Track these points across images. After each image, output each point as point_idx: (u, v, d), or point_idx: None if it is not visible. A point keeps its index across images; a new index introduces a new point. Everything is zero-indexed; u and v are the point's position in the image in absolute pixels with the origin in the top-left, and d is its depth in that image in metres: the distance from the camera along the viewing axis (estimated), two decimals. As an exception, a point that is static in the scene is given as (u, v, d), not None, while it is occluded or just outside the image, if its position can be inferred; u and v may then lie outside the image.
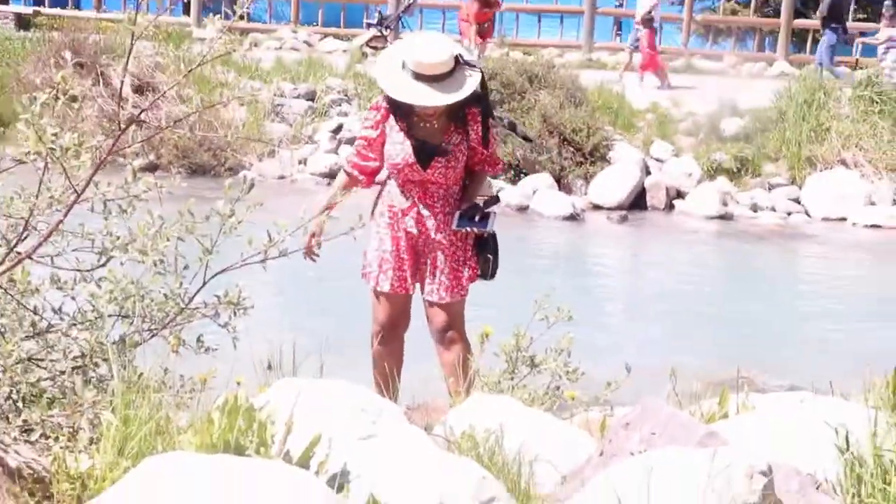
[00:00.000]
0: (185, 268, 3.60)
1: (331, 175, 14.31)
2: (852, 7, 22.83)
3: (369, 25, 21.12)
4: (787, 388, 6.44)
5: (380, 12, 21.46)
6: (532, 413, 3.64)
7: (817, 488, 2.79)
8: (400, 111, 5.15)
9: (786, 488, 2.75)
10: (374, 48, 20.17)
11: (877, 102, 14.96)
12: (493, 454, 3.23)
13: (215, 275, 3.62)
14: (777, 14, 23.28)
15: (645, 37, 19.21)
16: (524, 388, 4.81)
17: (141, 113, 4.09)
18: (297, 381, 3.35)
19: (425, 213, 5.23)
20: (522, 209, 13.26)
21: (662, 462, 2.57)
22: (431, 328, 5.34)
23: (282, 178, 14.39)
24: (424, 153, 5.16)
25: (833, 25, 18.36)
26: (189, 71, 3.64)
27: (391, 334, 5.35)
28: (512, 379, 4.95)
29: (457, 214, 5.32)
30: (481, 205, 5.38)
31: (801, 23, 22.91)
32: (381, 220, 5.25)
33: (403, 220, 5.24)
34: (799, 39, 23.36)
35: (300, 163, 14.76)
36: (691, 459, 2.56)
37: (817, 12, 19.06)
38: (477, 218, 5.28)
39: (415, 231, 5.23)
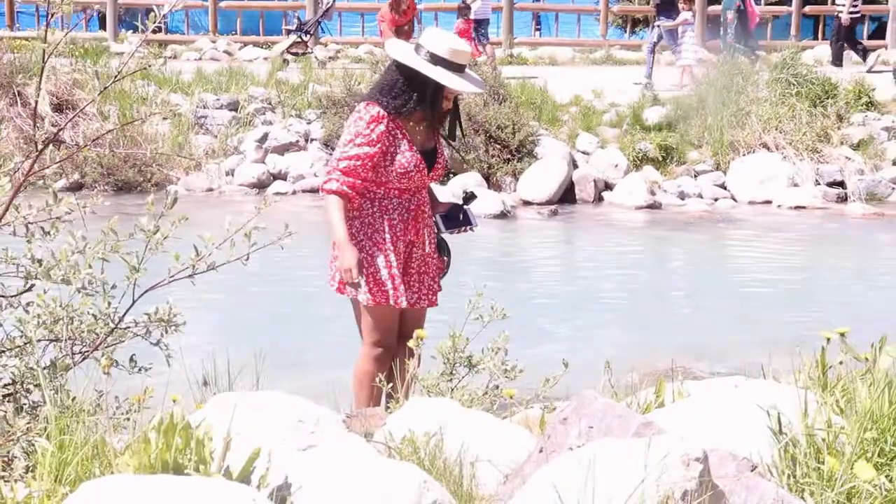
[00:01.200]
0: (114, 287, 3.57)
1: (259, 185, 14.24)
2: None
3: (289, 32, 21.02)
4: (723, 375, 6.54)
5: (298, 18, 21.39)
6: (471, 414, 3.65)
7: (753, 470, 2.83)
8: (402, 117, 5.02)
9: (723, 472, 2.78)
10: (295, 54, 20.10)
11: (794, 84, 15.19)
12: (433, 457, 3.24)
13: (144, 293, 3.58)
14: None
15: (457, 27, 19.36)
16: (463, 389, 4.83)
17: (58, 132, 4.04)
18: (233, 395, 3.34)
19: (420, 221, 5.19)
20: (452, 209, 13.27)
21: (599, 455, 2.60)
22: (404, 333, 5.18)
23: (210, 190, 14.27)
24: (427, 158, 5.13)
25: (666, 12, 18.63)
26: (104, 88, 3.59)
27: (389, 353, 5.24)
28: (451, 381, 4.97)
29: (439, 218, 5.33)
30: (460, 203, 5.41)
31: (715, 9, 23.18)
32: (377, 236, 5.09)
33: (405, 233, 5.15)
34: (715, 26, 23.63)
35: (227, 174, 14.64)
36: (627, 450, 2.59)
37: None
38: (461, 217, 5.35)
39: (414, 239, 5.19)
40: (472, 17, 19.49)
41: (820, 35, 23.83)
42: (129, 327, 3.63)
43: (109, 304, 3.56)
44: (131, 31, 21.88)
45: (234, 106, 15.80)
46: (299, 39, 20.35)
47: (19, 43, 16.81)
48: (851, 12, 19.52)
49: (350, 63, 19.77)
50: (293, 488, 2.86)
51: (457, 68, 5.02)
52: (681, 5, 18.55)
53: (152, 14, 3.32)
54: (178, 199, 3.60)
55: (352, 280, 4.98)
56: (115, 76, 3.49)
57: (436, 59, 4.99)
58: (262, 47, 21.96)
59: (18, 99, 14.92)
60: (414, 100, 4.99)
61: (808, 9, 23.67)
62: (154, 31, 3.54)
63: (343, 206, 4.99)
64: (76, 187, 13.78)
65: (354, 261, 4.95)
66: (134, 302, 3.60)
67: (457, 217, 5.35)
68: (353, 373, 5.36)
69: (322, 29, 21.68)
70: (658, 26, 18.86)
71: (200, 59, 21.09)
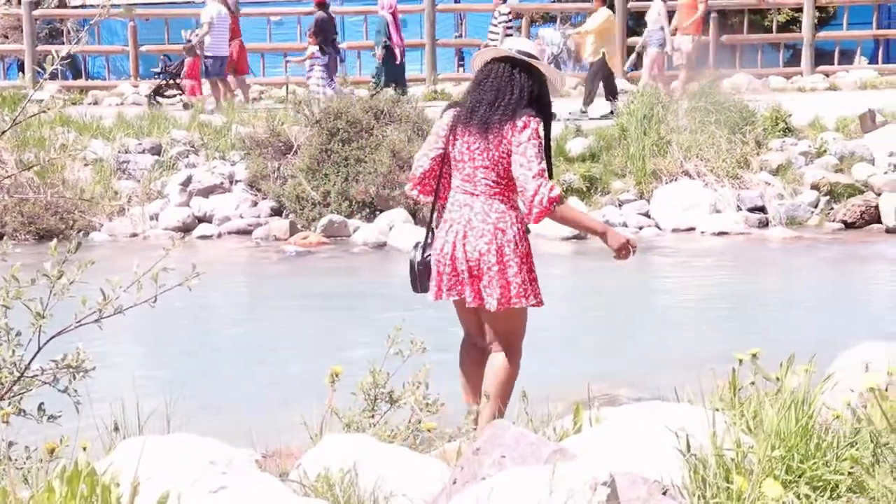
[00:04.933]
0: (18, 334, 3.50)
1: (184, 229, 14.11)
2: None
3: (157, 74, 20.83)
4: (645, 399, 6.59)
5: (166, 58, 21.15)
6: (387, 448, 3.63)
7: (664, 493, 2.85)
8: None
9: (633, 496, 2.80)
10: (168, 96, 20.07)
11: (712, 112, 15.42)
12: (348, 494, 3.22)
13: (49, 339, 3.53)
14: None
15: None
16: (385, 424, 4.81)
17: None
18: (141, 439, 3.29)
19: None
20: (380, 246, 13.26)
21: (507, 483, 2.59)
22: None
23: (134, 235, 14.11)
24: None
25: (322, 46, 18.76)
26: (5, 130, 3.54)
27: None
28: (373, 417, 4.94)
29: None
30: None
31: (636, 40, 23.53)
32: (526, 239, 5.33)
33: None
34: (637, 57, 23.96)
35: (152, 218, 14.50)
36: (535, 477, 2.59)
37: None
38: None
39: None
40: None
41: (737, 64, 24.24)
42: (35, 375, 3.56)
43: (14, 351, 3.49)
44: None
45: (156, 150, 15.67)
46: (167, 81, 20.25)
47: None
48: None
49: (274, 104, 19.72)
50: (202, 531, 2.82)
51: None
52: (308, 40, 18.86)
53: (49, 57, 3.29)
54: (81, 244, 3.55)
55: (633, 251, 5.27)
56: (15, 118, 3.44)
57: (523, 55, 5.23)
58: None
59: (-67, 149, 14.68)
60: (541, 103, 5.22)
61: (724, 38, 24.08)
62: (75, 77, 3.50)
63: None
64: (-4, 237, 13.58)
65: (621, 236, 5.31)
66: (40, 349, 3.54)
67: None
68: (498, 379, 5.42)
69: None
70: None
71: (122, 104, 20.91)
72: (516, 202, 5.23)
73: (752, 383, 3.93)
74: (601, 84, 18.47)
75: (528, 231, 5.37)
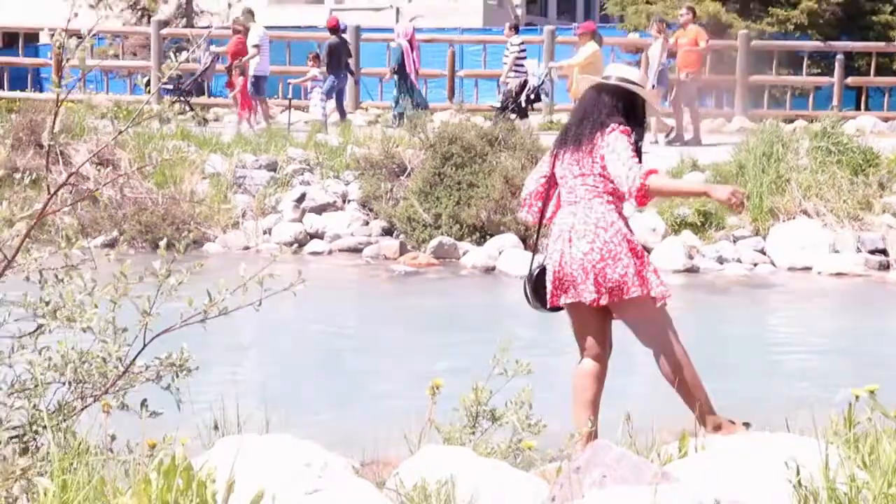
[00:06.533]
0: (125, 331, 3.53)
1: (296, 244, 14.25)
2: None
3: (168, 92, 20.87)
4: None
5: (178, 77, 21.20)
6: (485, 462, 3.57)
7: (772, 524, 2.73)
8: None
9: (739, 524, 2.69)
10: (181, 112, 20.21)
11: (834, 153, 15.07)
12: (444, 505, 3.16)
13: (155, 336, 3.55)
14: (731, 71, 23.54)
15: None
16: (486, 442, 4.76)
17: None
18: (240, 438, 3.28)
19: None
20: (489, 270, 13.21)
21: (608, 502, 2.51)
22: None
23: (247, 248, 14.33)
24: None
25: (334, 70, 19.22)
26: (119, 133, 3.58)
27: None
28: (473, 434, 4.89)
29: None
30: None
31: (757, 79, 23.19)
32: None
33: None
34: (756, 95, 23.62)
35: (265, 233, 14.71)
36: (636, 498, 2.50)
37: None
38: None
39: None
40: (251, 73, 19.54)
41: (862, 106, 23.72)
42: (139, 371, 3.59)
43: (120, 347, 3.52)
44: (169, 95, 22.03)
45: (272, 166, 15.90)
46: (177, 99, 20.33)
47: (64, 104, 17.03)
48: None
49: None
50: (295, 532, 2.79)
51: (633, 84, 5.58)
52: (309, 63, 20.10)
53: (166, 64, 3.32)
54: (190, 245, 3.57)
55: (742, 197, 5.30)
56: (131, 121, 3.49)
57: (623, 81, 5.54)
58: (302, 111, 22.11)
59: (61, 158, 15.11)
60: (635, 119, 5.50)
61: (850, 80, 23.59)
62: (197, 95, 3.54)
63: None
64: (112, 244, 13.88)
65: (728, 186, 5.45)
66: (145, 346, 3.57)
67: None
68: (670, 378, 5.56)
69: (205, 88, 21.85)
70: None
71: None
72: (619, 205, 5.45)
73: (869, 419, 3.78)
74: None
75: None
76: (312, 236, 14.59)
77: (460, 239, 13.95)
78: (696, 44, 18.92)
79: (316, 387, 7.25)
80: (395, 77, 19.38)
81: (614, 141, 5.27)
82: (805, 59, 23.56)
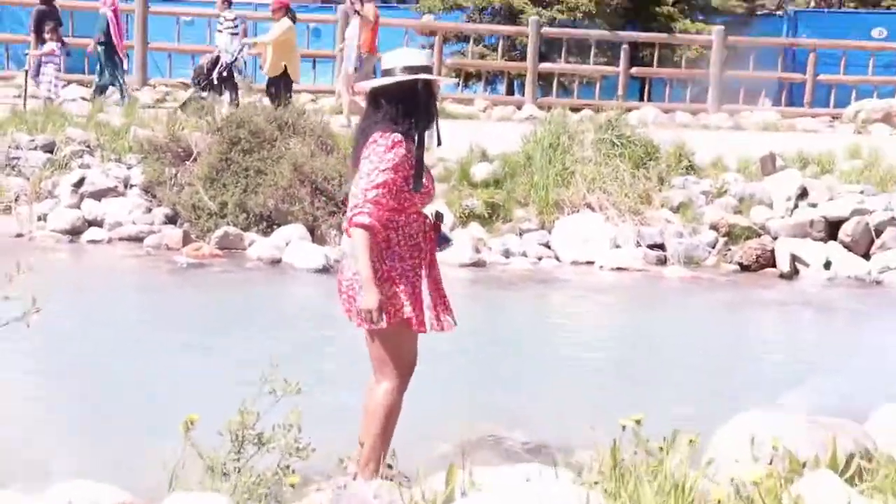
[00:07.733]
0: None
1: (73, 231, 13.63)
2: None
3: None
4: (532, 447, 6.47)
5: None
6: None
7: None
8: (409, 138, 5.14)
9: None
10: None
11: (618, 146, 15.41)
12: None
13: None
14: (524, 58, 23.91)
15: None
16: (251, 469, 4.62)
17: None
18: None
19: (429, 243, 5.35)
20: (275, 262, 12.94)
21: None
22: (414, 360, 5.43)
23: (20, 235, 13.59)
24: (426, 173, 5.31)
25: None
26: None
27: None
28: (238, 460, 4.73)
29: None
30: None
31: (546, 67, 23.64)
32: (401, 264, 5.17)
33: (424, 255, 5.29)
34: (546, 83, 24.06)
35: (40, 219, 14.00)
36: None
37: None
38: (442, 236, 5.49)
39: (432, 261, 5.38)
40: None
41: (645, 97, 24.47)
42: None
43: None
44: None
45: (50, 147, 15.18)
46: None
47: None
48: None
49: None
50: None
51: (423, 70, 5.24)
52: (46, 35, 19.39)
53: None
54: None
55: (374, 322, 5.04)
56: None
57: (407, 70, 5.18)
58: (86, 86, 21.24)
59: None
60: (413, 114, 5.16)
61: (634, 70, 24.29)
62: None
63: (368, 242, 5.02)
64: None
65: (377, 303, 5.01)
66: None
67: (443, 236, 5.48)
68: (370, 409, 5.31)
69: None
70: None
71: (19, 96, 20.23)
72: (397, 220, 5.21)
73: (635, 453, 3.80)
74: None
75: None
76: (91, 223, 13.95)
77: (247, 229, 13.61)
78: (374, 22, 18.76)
79: (77, 405, 6.86)
80: (101, 48, 19.20)
81: (366, 153, 5.12)
82: (592, 48, 24.10)
